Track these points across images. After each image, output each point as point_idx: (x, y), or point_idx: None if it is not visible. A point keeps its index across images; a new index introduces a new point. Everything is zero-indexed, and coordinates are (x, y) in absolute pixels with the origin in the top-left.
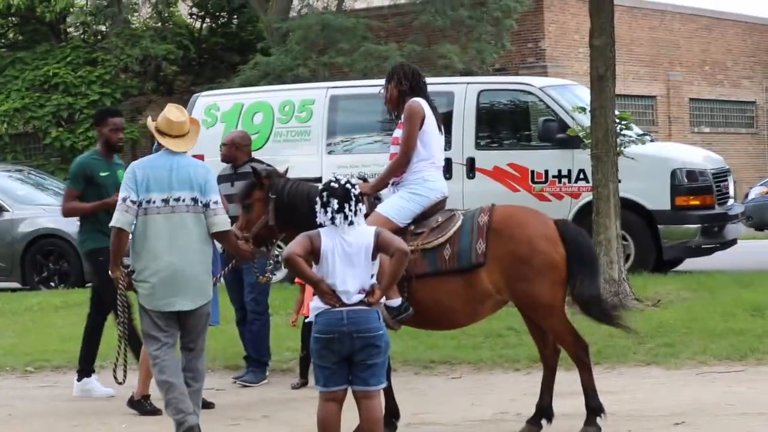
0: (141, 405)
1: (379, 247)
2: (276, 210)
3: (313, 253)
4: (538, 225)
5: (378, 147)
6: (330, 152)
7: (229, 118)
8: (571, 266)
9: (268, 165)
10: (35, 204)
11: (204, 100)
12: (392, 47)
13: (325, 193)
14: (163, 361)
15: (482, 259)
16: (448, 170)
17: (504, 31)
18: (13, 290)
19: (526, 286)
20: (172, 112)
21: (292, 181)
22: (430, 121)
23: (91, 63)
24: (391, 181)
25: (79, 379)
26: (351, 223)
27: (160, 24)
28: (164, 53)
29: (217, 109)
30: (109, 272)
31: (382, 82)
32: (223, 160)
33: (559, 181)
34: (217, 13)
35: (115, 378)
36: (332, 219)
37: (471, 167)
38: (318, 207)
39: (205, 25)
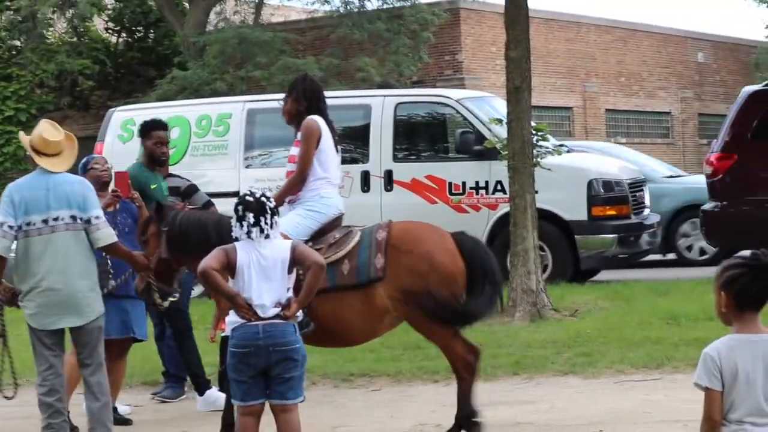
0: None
1: (296, 260)
2: (168, 242)
3: (229, 267)
4: (436, 239)
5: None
6: (247, 166)
7: None
8: (470, 279)
9: (186, 179)
10: None
11: (120, 114)
12: (310, 60)
13: (240, 207)
14: (50, 384)
15: (381, 273)
16: (366, 183)
17: (421, 44)
18: None
19: (423, 300)
20: (47, 130)
21: (186, 212)
22: (327, 140)
23: (5, 78)
24: (287, 199)
25: (201, 393)
26: (267, 236)
27: (75, 39)
28: (80, 68)
29: (133, 124)
30: None
31: None
32: None
33: (477, 193)
34: (134, 28)
35: (3, 395)
36: (248, 233)
37: (389, 180)
38: (233, 221)
39: (121, 39)
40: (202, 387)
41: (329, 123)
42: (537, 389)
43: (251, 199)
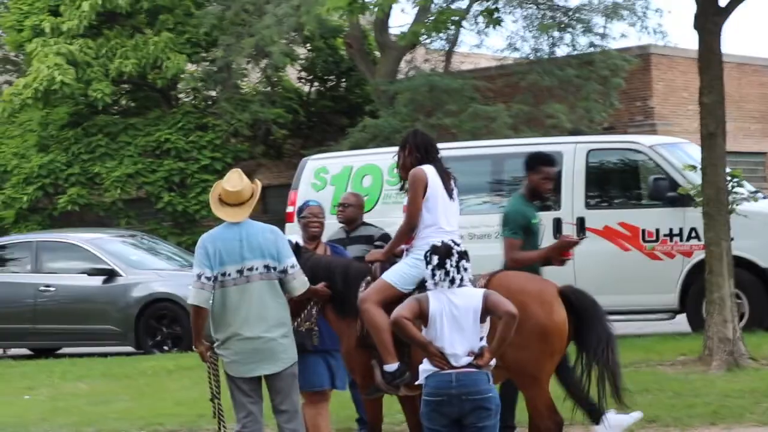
0: None
1: (488, 309)
2: None
3: (422, 316)
4: (532, 289)
5: (486, 208)
6: None
7: (339, 181)
8: (580, 330)
9: (380, 228)
10: (148, 269)
11: (313, 163)
12: (500, 107)
13: (428, 253)
14: (250, 430)
15: None
16: (558, 230)
17: (612, 90)
18: (128, 354)
19: (513, 352)
20: (229, 180)
21: (315, 256)
22: (435, 187)
23: (201, 128)
24: (404, 248)
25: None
26: (453, 281)
27: (269, 88)
28: (273, 117)
29: (326, 172)
30: (193, 347)
31: (487, 142)
32: (342, 221)
33: (671, 240)
34: (326, 77)
35: None
36: (434, 277)
37: (581, 227)
38: (426, 269)
39: (313, 88)
40: None
41: (443, 172)
42: None
43: (439, 244)
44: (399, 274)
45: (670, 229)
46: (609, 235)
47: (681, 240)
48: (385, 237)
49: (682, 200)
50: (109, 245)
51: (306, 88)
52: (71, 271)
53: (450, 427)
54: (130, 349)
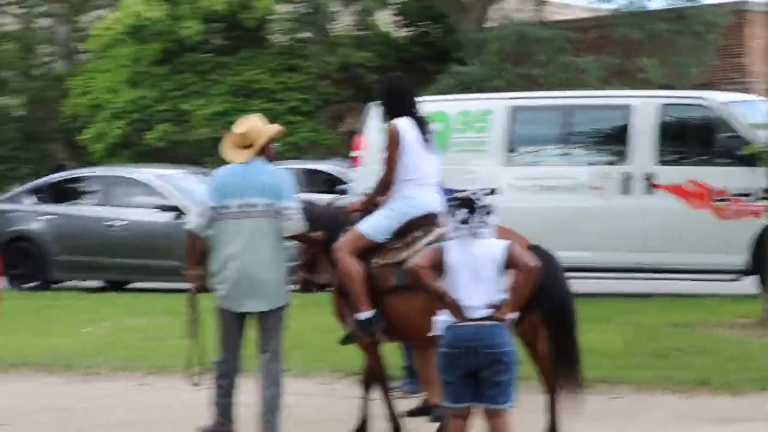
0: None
1: (509, 261)
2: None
3: (440, 266)
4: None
5: (558, 159)
6: (508, 164)
7: None
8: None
9: None
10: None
11: (378, 109)
12: (589, 59)
13: (452, 204)
14: (225, 366)
15: None
16: (625, 185)
17: (707, 46)
18: None
19: None
20: (238, 124)
21: (312, 204)
22: (410, 140)
23: (291, 69)
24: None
25: None
26: (474, 234)
27: (359, 32)
28: (362, 61)
29: None
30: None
31: (565, 93)
32: None
33: (742, 199)
34: (418, 22)
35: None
36: (458, 229)
37: (650, 183)
38: (447, 218)
39: (405, 33)
40: None
41: (421, 123)
42: None
43: (463, 196)
44: (373, 225)
45: (742, 189)
46: (679, 193)
47: (752, 200)
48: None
49: (754, 159)
50: (178, 182)
51: (397, 33)
52: (140, 206)
53: (466, 379)
54: None
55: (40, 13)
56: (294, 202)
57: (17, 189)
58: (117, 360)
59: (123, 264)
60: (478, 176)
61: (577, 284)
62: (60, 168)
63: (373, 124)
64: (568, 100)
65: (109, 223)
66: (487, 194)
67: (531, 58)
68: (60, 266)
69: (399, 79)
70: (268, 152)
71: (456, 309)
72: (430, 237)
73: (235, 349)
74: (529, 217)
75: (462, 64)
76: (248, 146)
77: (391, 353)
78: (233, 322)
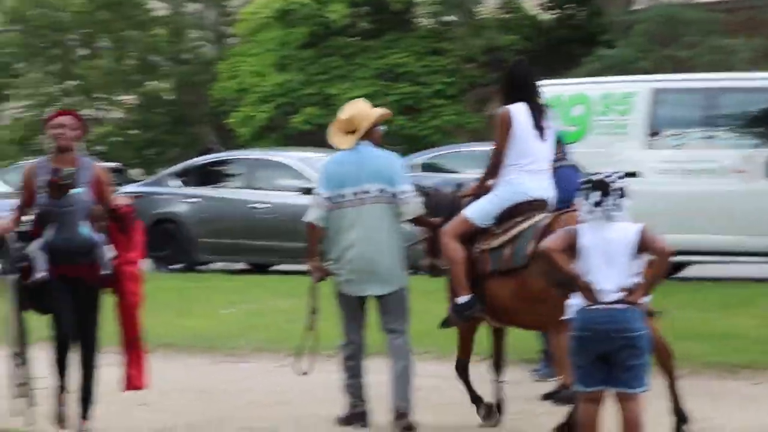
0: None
1: (642, 244)
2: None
3: (572, 249)
4: None
5: (701, 142)
6: (649, 147)
7: None
8: None
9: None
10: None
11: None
12: (738, 41)
13: (586, 187)
14: (352, 348)
15: (525, 261)
16: None
17: None
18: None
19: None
20: (343, 109)
21: (436, 191)
22: (521, 127)
23: (436, 53)
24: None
25: None
26: (609, 217)
27: (506, 15)
28: (508, 44)
29: None
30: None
31: (709, 76)
32: None
33: None
34: (565, 5)
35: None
36: (591, 212)
37: None
38: (581, 201)
39: (552, 16)
40: None
41: (537, 110)
42: None
43: (596, 179)
44: (476, 210)
45: None
46: None
47: None
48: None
49: None
50: (319, 165)
51: (544, 16)
52: (283, 189)
53: (597, 362)
54: None
55: None
56: (408, 185)
57: (163, 172)
58: (259, 341)
59: (266, 246)
60: (620, 159)
61: (720, 269)
62: (207, 151)
63: None
64: (712, 83)
65: (253, 205)
66: (621, 177)
67: (679, 40)
68: (204, 248)
69: (519, 64)
70: (375, 136)
71: (589, 292)
72: (528, 223)
73: (360, 331)
74: (671, 201)
75: (608, 47)
76: (353, 131)
77: (527, 338)
78: (355, 306)
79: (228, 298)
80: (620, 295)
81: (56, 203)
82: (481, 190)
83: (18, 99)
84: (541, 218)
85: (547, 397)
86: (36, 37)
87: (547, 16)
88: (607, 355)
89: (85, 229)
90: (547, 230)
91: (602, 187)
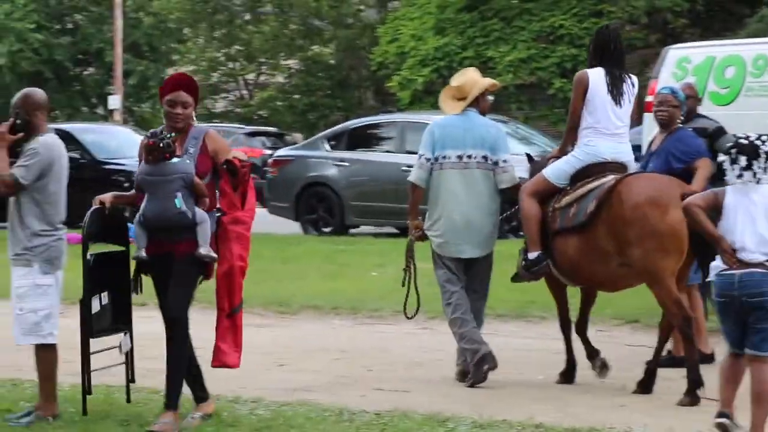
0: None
1: None
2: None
3: (717, 208)
4: (651, 191)
5: None
6: None
7: (700, 72)
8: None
9: (715, 121)
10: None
11: (675, 52)
12: None
13: (733, 150)
14: (457, 300)
15: (585, 218)
16: None
17: None
18: None
19: (633, 251)
20: (454, 77)
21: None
22: (597, 90)
23: (596, 15)
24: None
25: None
26: (759, 181)
27: None
28: (670, 5)
29: (688, 62)
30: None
31: None
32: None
33: None
34: None
35: (405, 314)
36: (739, 176)
37: None
38: (727, 164)
39: None
40: None
41: (616, 75)
42: None
43: (745, 142)
44: (554, 170)
45: None
46: None
47: None
48: (719, 131)
49: None
50: None
51: None
52: None
53: (740, 325)
54: None
55: None
56: (508, 154)
57: (316, 135)
58: (399, 304)
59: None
60: None
61: None
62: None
63: (666, 69)
64: None
65: (405, 168)
66: (763, 140)
67: None
68: (355, 211)
69: (605, 30)
70: (483, 105)
71: (729, 254)
72: (595, 183)
73: (460, 285)
74: None
75: None
76: (463, 98)
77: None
78: (453, 265)
79: (375, 261)
80: (762, 257)
81: (150, 170)
82: (563, 151)
83: (184, 64)
84: (608, 179)
85: (660, 365)
86: (201, 3)
87: None
88: (744, 318)
89: (179, 202)
90: (611, 191)
91: (751, 150)
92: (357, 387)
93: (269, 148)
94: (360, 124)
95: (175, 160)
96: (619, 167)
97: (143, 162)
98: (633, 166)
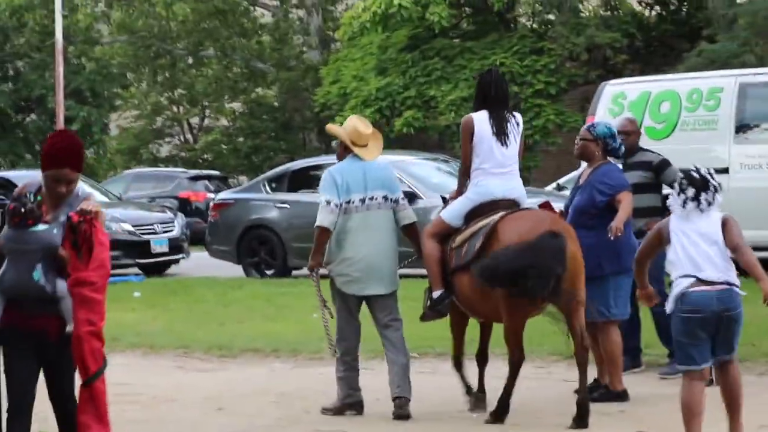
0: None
1: (724, 233)
2: None
3: (664, 239)
4: (523, 228)
5: None
6: (738, 142)
7: (636, 107)
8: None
9: (658, 154)
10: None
11: (611, 89)
12: None
13: (684, 181)
14: (350, 344)
15: (472, 257)
16: None
17: None
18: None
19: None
20: (359, 125)
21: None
22: (482, 133)
23: (537, 52)
24: None
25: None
26: (702, 211)
27: (608, 12)
28: (609, 41)
29: (624, 98)
30: (309, 260)
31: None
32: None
33: None
34: (667, 1)
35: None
36: (684, 205)
37: None
38: (674, 194)
39: (654, 12)
40: None
41: (499, 117)
42: None
43: (696, 175)
44: (449, 211)
45: None
46: None
47: None
48: (663, 163)
49: None
50: (412, 168)
51: (646, 12)
52: None
53: (706, 340)
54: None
55: (293, 5)
56: (402, 193)
57: (257, 179)
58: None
59: None
60: (708, 155)
61: None
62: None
63: (603, 105)
64: None
65: None
66: (711, 173)
67: None
68: (297, 253)
69: (487, 74)
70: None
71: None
72: (484, 222)
73: (357, 328)
74: (760, 196)
75: (711, 41)
76: (365, 145)
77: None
78: (354, 305)
79: (316, 303)
80: (724, 277)
81: (13, 236)
82: (459, 193)
83: (127, 109)
84: (495, 218)
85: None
86: (143, 48)
87: (650, 12)
88: (715, 332)
89: (38, 275)
90: (493, 229)
91: (702, 183)
92: (294, 429)
93: (213, 192)
94: (300, 166)
95: (41, 227)
96: (510, 203)
97: (6, 226)
98: (525, 201)
